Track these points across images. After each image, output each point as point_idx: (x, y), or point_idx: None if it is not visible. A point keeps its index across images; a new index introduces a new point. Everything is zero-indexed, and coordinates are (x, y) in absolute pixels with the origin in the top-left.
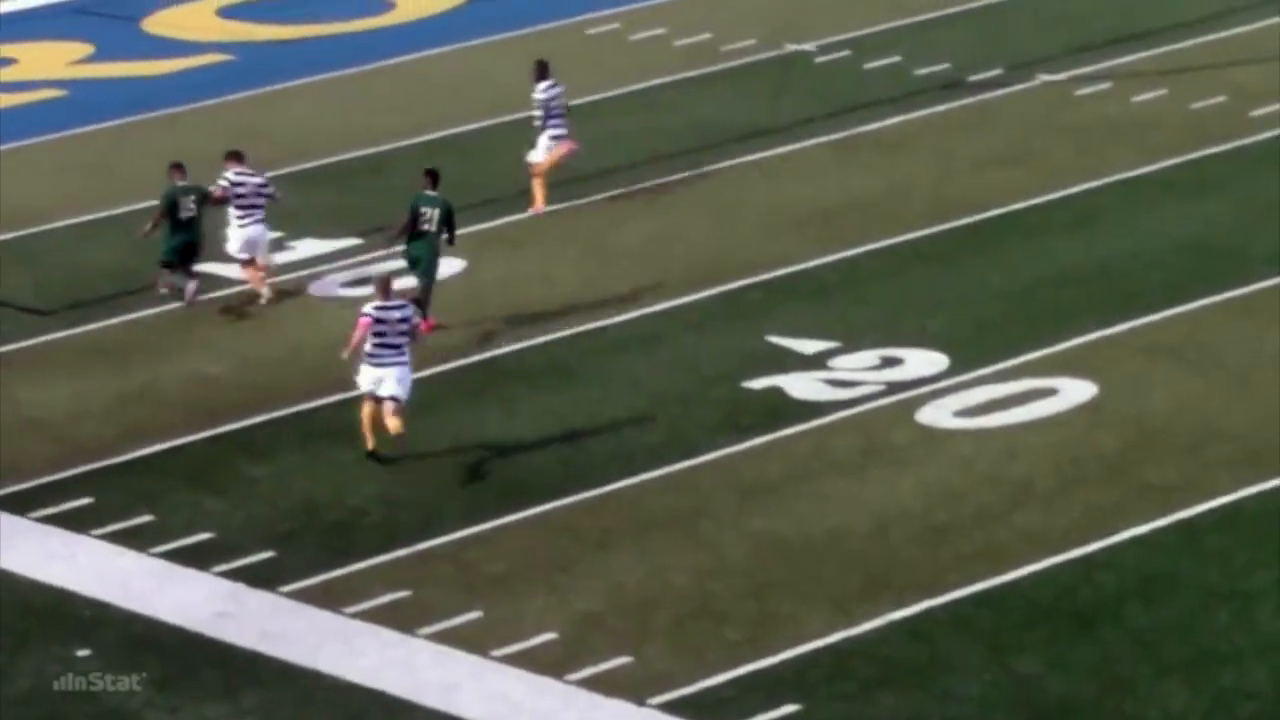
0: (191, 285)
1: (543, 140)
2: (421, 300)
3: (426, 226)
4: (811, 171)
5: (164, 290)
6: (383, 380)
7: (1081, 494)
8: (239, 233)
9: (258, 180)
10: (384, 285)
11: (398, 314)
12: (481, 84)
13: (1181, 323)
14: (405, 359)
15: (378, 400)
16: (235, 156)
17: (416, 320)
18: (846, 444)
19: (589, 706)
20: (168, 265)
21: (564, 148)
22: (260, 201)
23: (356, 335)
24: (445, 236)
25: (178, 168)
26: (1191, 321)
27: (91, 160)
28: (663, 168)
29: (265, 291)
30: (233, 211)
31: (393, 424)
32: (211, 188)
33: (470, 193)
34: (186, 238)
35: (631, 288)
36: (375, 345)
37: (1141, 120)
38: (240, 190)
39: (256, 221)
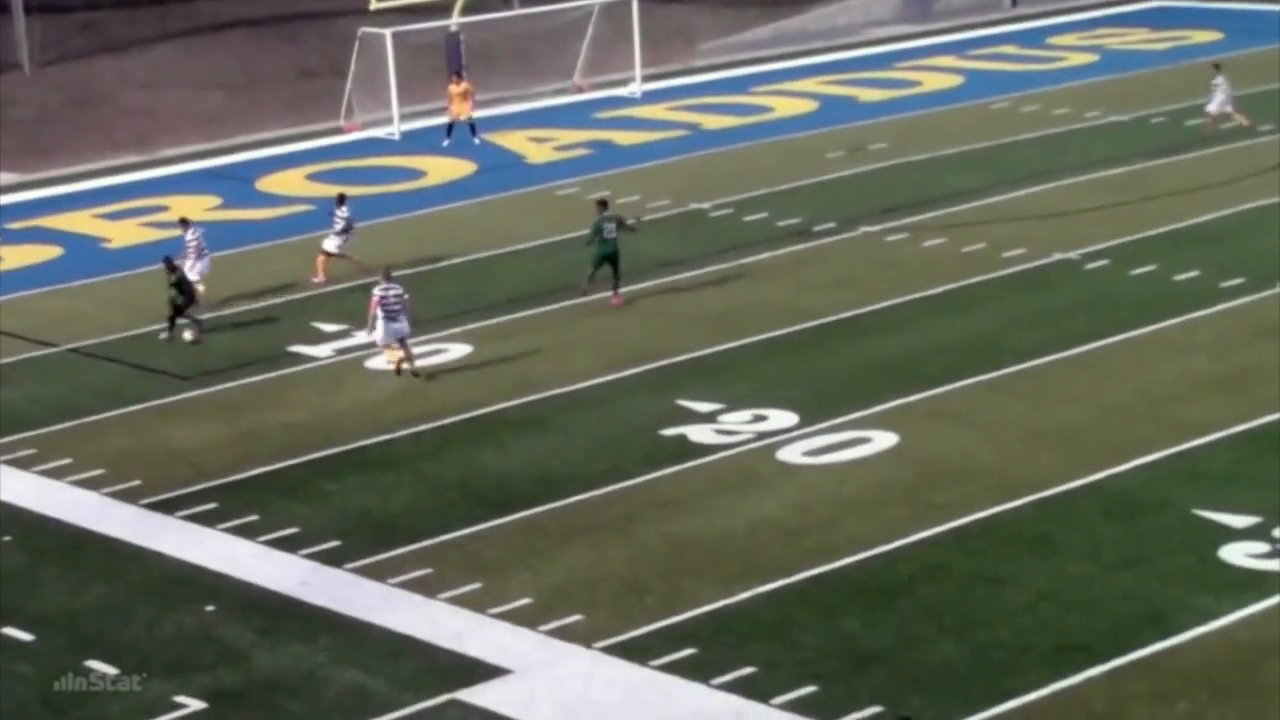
0: None
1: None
2: (616, 282)
3: (610, 235)
4: (707, 290)
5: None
6: (395, 331)
7: (888, 509)
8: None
9: (396, 291)
10: (385, 273)
11: (393, 293)
12: (485, 227)
13: (956, 395)
14: (403, 320)
15: (396, 345)
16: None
17: (406, 297)
18: (730, 473)
19: (552, 648)
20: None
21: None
22: (399, 305)
23: (371, 306)
24: (623, 232)
25: None
26: (963, 394)
27: (220, 275)
28: (605, 286)
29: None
30: (380, 312)
31: (406, 357)
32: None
33: (477, 300)
34: None
35: (584, 366)
36: (385, 313)
37: (930, 258)
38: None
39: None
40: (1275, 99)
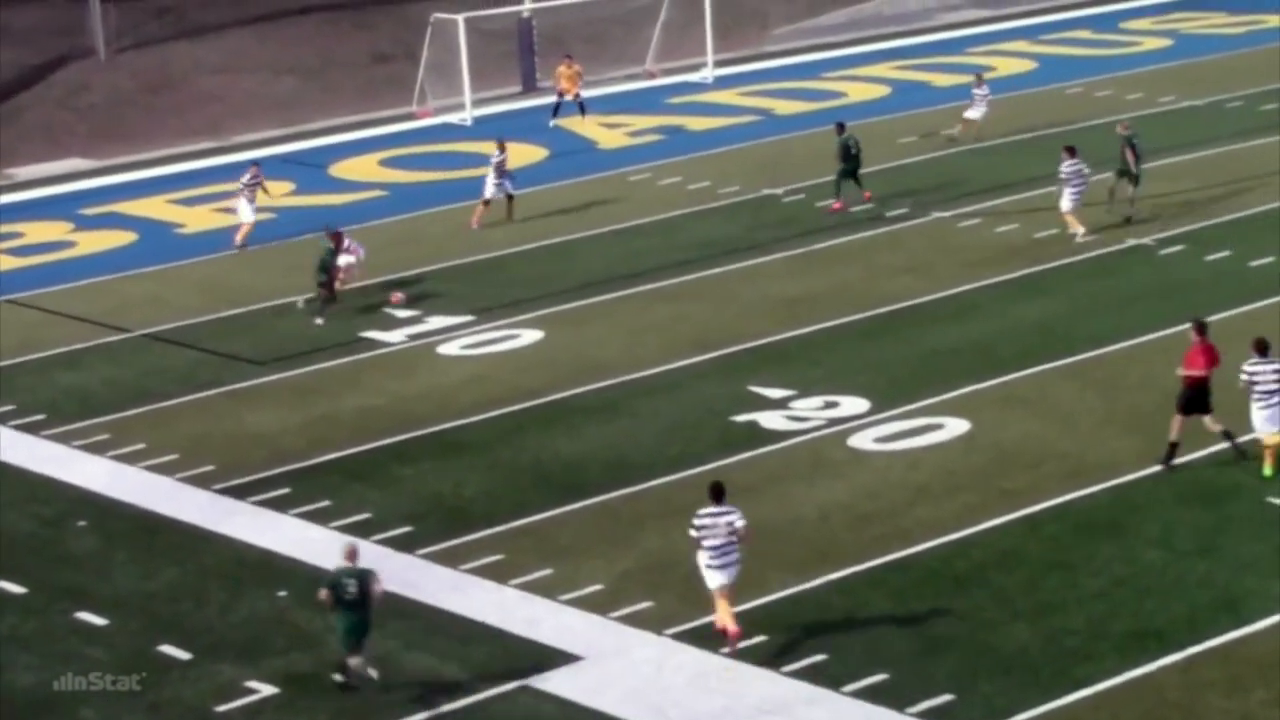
0: None
1: None
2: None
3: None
4: (779, 275)
5: None
6: None
7: (959, 496)
8: None
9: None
10: None
11: None
12: (557, 212)
13: (1029, 381)
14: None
15: None
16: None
17: None
18: (801, 460)
19: (622, 634)
20: None
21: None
22: None
23: None
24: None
25: None
26: (1036, 380)
27: (293, 261)
28: (678, 270)
29: None
30: None
31: None
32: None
33: (549, 285)
34: None
35: (657, 352)
36: None
37: (1002, 244)
38: None
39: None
40: None
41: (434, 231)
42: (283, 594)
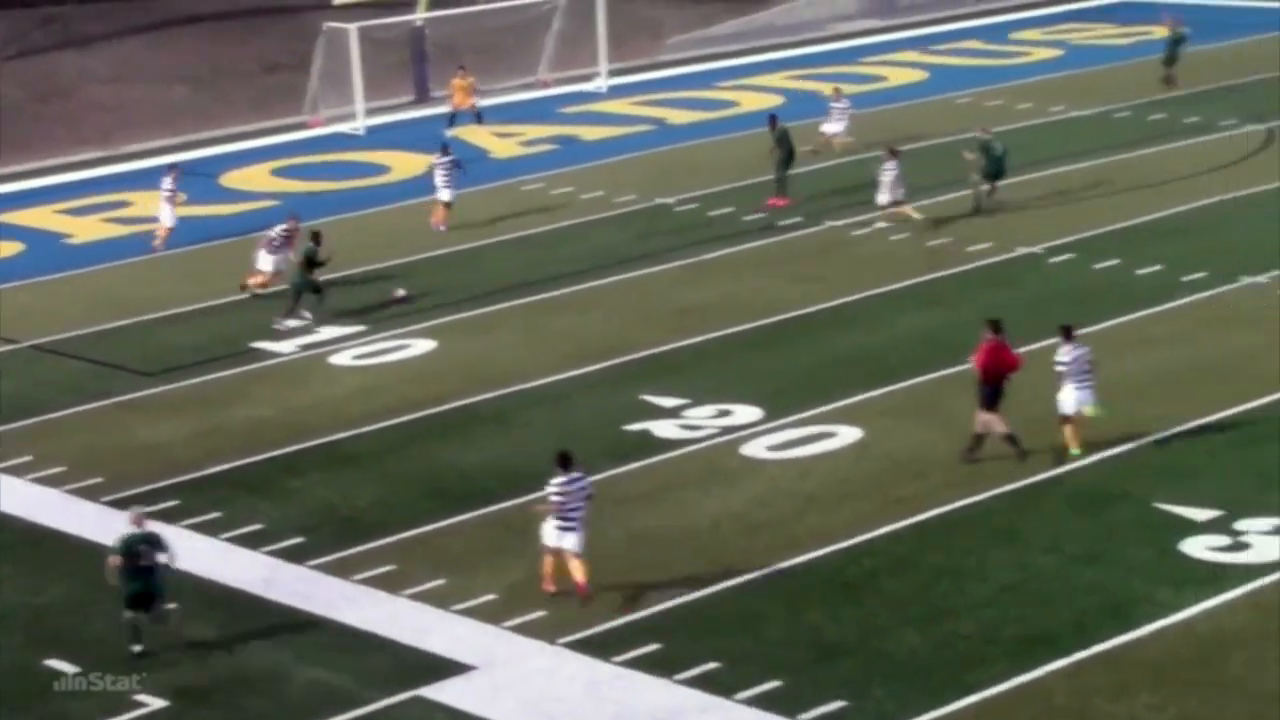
0: None
1: None
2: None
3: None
4: (672, 285)
5: None
6: None
7: (851, 503)
8: None
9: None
10: None
11: None
12: (450, 222)
13: (920, 389)
14: None
15: None
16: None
17: None
18: (694, 469)
19: (515, 644)
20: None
21: None
22: None
23: None
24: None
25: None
26: (927, 389)
27: (184, 271)
28: (571, 280)
29: None
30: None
31: None
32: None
33: (441, 295)
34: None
35: (550, 361)
36: None
37: (895, 253)
38: None
39: None
40: (1234, 94)
41: (326, 241)
42: (172, 606)
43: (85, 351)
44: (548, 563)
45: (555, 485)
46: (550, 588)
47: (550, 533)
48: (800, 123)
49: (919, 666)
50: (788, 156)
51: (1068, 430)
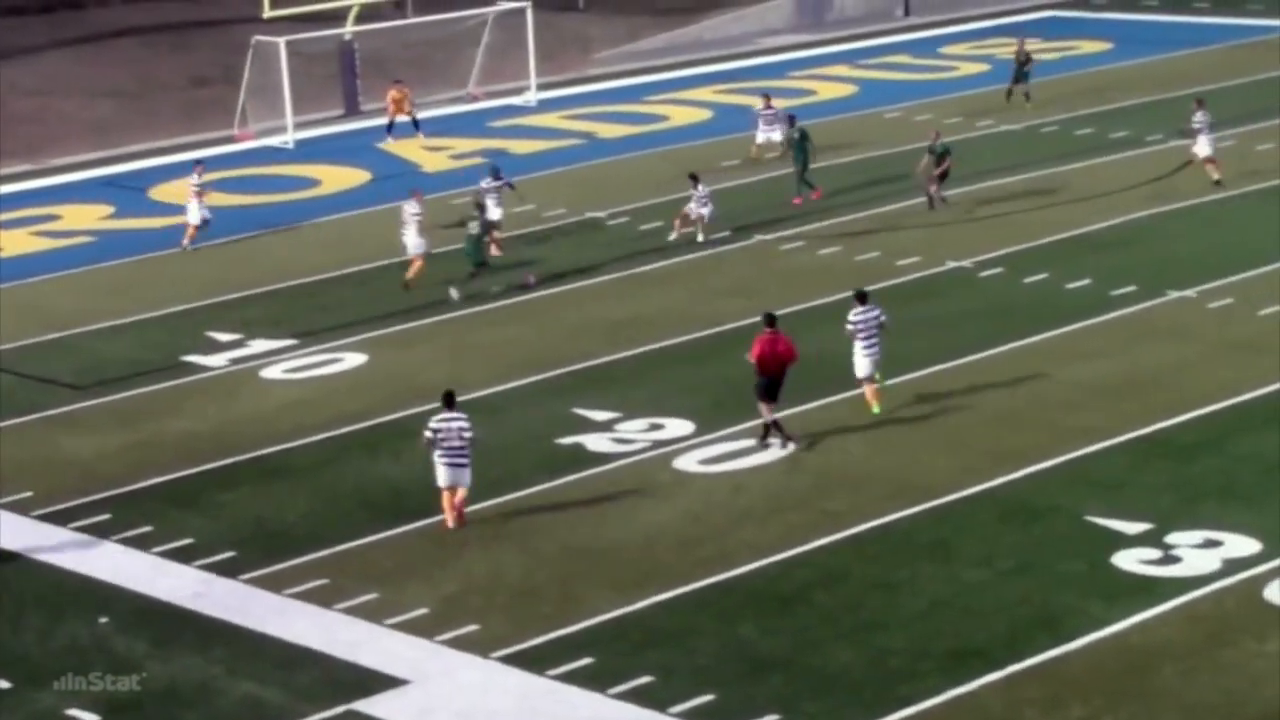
0: None
1: None
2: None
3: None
4: (603, 298)
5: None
6: None
7: (783, 517)
8: None
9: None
10: None
11: None
12: (380, 236)
13: (850, 403)
14: None
15: None
16: None
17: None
18: (626, 482)
19: (448, 657)
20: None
21: None
22: None
23: None
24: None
25: None
26: (857, 403)
27: (113, 284)
28: (502, 293)
29: None
30: None
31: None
32: None
33: (369, 308)
34: None
35: (482, 374)
36: None
37: (825, 267)
38: None
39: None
40: (1163, 109)
41: (253, 255)
42: (104, 620)
43: (14, 365)
44: (445, 498)
45: (434, 421)
46: (451, 524)
47: (441, 473)
48: (729, 137)
49: (851, 680)
50: (806, 156)
51: (868, 390)
